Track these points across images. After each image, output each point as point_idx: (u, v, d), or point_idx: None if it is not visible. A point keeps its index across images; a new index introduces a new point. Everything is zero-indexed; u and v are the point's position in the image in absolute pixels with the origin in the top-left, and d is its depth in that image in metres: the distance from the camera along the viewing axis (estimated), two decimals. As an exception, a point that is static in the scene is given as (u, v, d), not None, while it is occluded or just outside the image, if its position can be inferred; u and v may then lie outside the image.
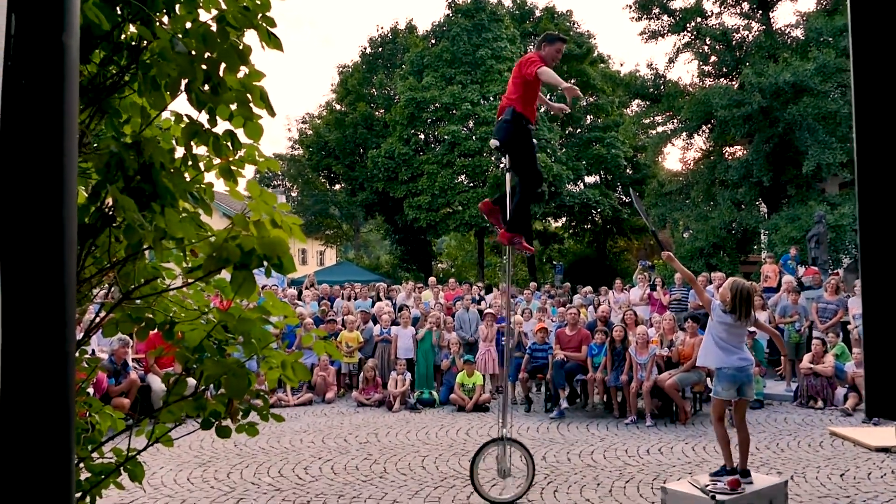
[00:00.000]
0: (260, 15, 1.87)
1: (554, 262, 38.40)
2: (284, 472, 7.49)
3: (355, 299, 16.46)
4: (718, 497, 4.80)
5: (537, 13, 35.77)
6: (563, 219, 37.53)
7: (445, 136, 29.24)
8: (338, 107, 35.83)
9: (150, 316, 2.24)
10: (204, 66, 1.76)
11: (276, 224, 1.82)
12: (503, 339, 12.58)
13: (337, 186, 38.40)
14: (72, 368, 1.27)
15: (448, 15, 31.29)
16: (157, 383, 10.07)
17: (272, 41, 1.90)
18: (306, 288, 17.33)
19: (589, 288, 17.77)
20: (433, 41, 31.83)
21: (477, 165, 28.88)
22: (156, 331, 2.25)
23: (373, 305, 15.60)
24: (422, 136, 31.35)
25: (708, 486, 5.05)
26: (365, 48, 36.37)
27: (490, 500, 6.30)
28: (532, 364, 11.22)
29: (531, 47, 34.40)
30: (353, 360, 12.53)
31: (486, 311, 13.13)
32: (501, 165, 7.05)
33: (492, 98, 29.62)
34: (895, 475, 7.11)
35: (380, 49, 36.14)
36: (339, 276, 25.29)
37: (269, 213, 1.81)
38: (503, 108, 6.16)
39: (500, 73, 29.45)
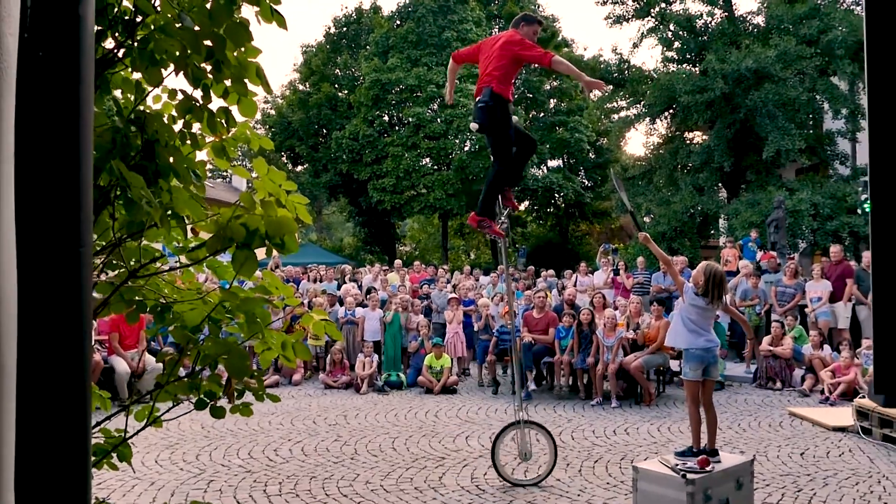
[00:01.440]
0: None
1: (517, 246, 38.60)
2: (254, 453, 7.45)
3: (320, 281, 16.37)
4: (689, 476, 4.91)
5: (502, -5, 35.67)
6: (526, 202, 37.68)
7: (410, 119, 29.13)
8: (301, 87, 35.40)
9: (139, 298, 2.21)
10: (208, 43, 1.73)
11: (280, 203, 1.81)
12: (472, 321, 12.71)
13: (300, 168, 38.02)
14: (88, 340, 1.25)
15: (414, -5, 31.08)
16: (120, 365, 9.93)
17: (275, 17, 1.87)
18: (271, 270, 17.17)
19: (552, 271, 17.91)
20: (398, 22, 31.58)
21: (442, 148, 28.84)
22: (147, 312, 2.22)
23: (338, 288, 15.53)
24: (386, 118, 31.18)
25: (678, 465, 5.15)
26: (329, 28, 35.92)
27: (512, 482, 6.36)
28: (500, 346, 11.30)
29: (496, 28, 34.28)
30: (319, 342, 12.48)
31: (450, 296, 13.18)
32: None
33: (456, 81, 29.52)
34: (852, 453, 7.34)
35: (344, 29, 35.72)
36: (303, 259, 25.11)
37: (275, 191, 1.79)
38: (479, 89, 6.00)
39: (465, 56, 29.34)
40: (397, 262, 19.17)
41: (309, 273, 17.06)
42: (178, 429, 8.34)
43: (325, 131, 33.49)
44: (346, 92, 33.79)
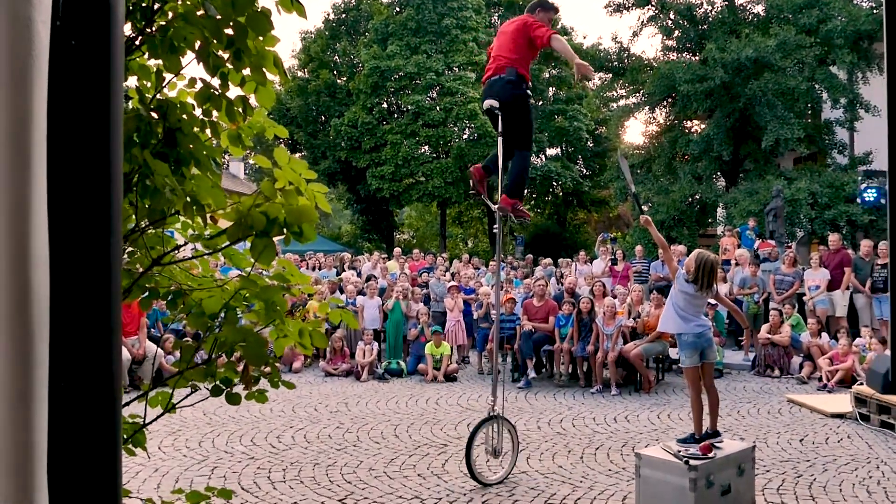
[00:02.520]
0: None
1: (515, 235, 38.61)
2: (257, 440, 7.49)
3: (319, 269, 16.38)
4: (692, 462, 4.95)
5: (502, -17, 35.51)
6: (525, 190, 37.64)
7: (409, 106, 29.06)
8: (300, 74, 35.26)
9: (152, 285, 2.23)
10: (229, 31, 1.73)
11: (299, 192, 1.82)
12: (472, 309, 12.73)
13: (298, 155, 37.94)
14: (118, 329, 1.27)
15: (413, -17, 30.92)
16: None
17: (295, 6, 1.88)
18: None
19: (549, 260, 17.92)
20: (398, 9, 31.44)
21: (441, 136, 28.80)
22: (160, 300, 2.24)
23: (338, 275, 15.55)
24: (385, 106, 31.10)
25: (680, 451, 5.19)
26: (328, 14, 35.74)
27: (483, 482, 6.01)
28: (500, 335, 11.32)
29: (495, 16, 34.08)
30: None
31: (449, 284, 13.21)
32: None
33: (456, 68, 29.44)
34: (850, 439, 7.40)
35: (343, 16, 35.54)
36: (301, 246, 25.10)
37: (295, 180, 1.80)
38: (500, 67, 5.80)
39: (464, 44, 29.28)
40: (396, 250, 19.19)
41: (308, 261, 17.08)
42: (180, 415, 8.36)
43: (323, 118, 33.41)
44: (344, 79, 33.68)
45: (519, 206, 6.12)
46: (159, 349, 10.36)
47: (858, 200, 18.61)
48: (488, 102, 5.80)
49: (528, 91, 5.85)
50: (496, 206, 6.26)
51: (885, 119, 1.41)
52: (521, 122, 5.93)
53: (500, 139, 5.98)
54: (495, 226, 6.38)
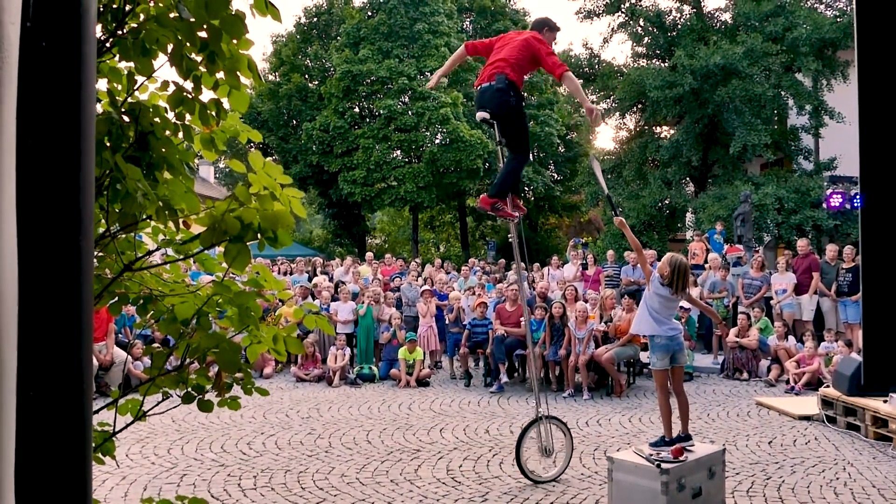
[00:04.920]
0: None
1: (487, 239, 38.71)
2: (227, 447, 7.41)
3: (290, 274, 16.26)
4: (663, 465, 4.99)
5: (474, -12, 35.59)
6: (507, 192, 37.69)
7: (381, 111, 29.00)
8: (271, 77, 35.03)
9: (122, 291, 2.19)
10: (203, 34, 1.71)
11: (274, 197, 1.80)
12: (443, 314, 12.72)
13: (269, 159, 37.60)
14: (89, 334, 1.24)
15: (385, -13, 30.88)
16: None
17: (269, 10, 1.86)
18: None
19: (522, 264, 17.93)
20: (370, 13, 31.38)
21: (413, 141, 28.77)
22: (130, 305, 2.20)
23: (309, 280, 15.45)
24: (357, 110, 31.00)
25: (652, 455, 5.23)
26: (300, 18, 35.57)
27: (533, 479, 6.15)
28: (472, 339, 11.34)
29: (467, 21, 34.07)
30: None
31: (423, 288, 13.19)
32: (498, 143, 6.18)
33: (428, 73, 29.43)
34: (818, 441, 7.51)
35: (315, 19, 35.40)
36: (271, 250, 24.86)
37: (270, 185, 1.78)
38: (492, 74, 5.74)
39: (436, 49, 29.29)
40: (368, 254, 19.11)
41: (279, 266, 16.95)
42: (148, 422, 8.24)
43: (295, 122, 33.20)
44: (316, 83, 33.52)
45: (500, 205, 6.04)
46: (128, 355, 10.21)
47: (824, 205, 18.92)
48: (480, 115, 5.79)
49: (519, 97, 5.79)
50: (515, 216, 6.21)
51: (855, 126, 1.44)
52: (514, 130, 5.93)
53: (498, 147, 6.07)
54: (510, 235, 6.32)
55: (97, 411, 2.18)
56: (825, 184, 20.25)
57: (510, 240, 6.33)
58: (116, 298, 2.23)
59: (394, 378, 11.16)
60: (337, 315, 12.31)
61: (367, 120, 30.68)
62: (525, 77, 5.98)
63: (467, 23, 34.52)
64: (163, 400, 2.17)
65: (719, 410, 9.05)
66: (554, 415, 6.60)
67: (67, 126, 1.20)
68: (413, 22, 29.34)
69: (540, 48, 5.74)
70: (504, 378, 10.65)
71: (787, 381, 10.40)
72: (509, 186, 6.12)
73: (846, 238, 19.44)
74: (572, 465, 6.67)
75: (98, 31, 1.87)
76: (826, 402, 8.31)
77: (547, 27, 6.01)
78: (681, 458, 5.14)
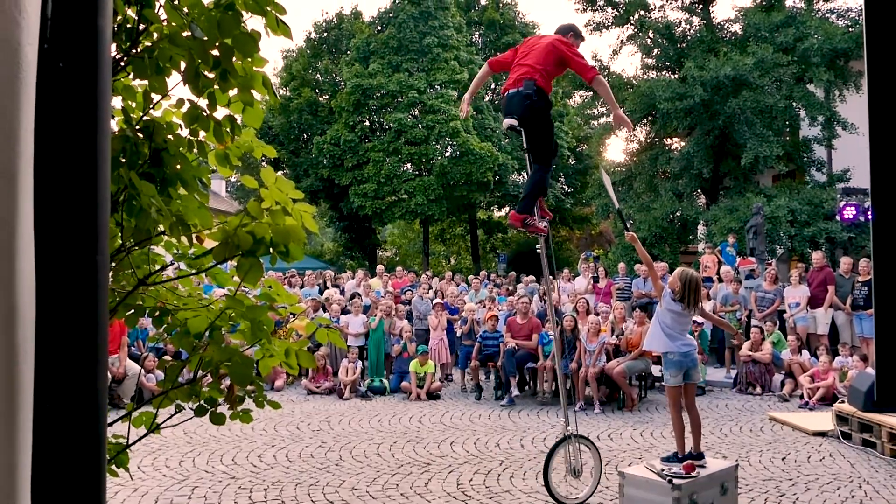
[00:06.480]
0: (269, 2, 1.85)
1: (498, 252, 38.72)
2: (238, 459, 7.42)
3: (301, 287, 16.31)
4: (675, 481, 4.96)
5: (483, 2, 35.76)
6: (507, 208, 37.78)
7: (391, 124, 29.11)
8: (282, 92, 35.26)
9: (139, 303, 2.21)
10: (216, 53, 1.74)
11: (286, 212, 1.82)
12: (454, 326, 12.72)
13: (280, 172, 37.79)
14: (104, 347, 1.26)
15: (394, 1, 31.06)
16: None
17: (281, 28, 1.89)
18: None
19: (532, 277, 17.96)
20: (379, 27, 31.57)
21: (423, 154, 28.86)
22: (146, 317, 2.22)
23: (321, 293, 15.49)
24: (367, 124, 31.14)
25: (663, 470, 5.20)
26: (310, 33, 35.83)
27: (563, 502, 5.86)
28: (483, 352, 11.33)
29: (476, 34, 34.17)
30: (302, 348, 12.42)
31: (435, 301, 13.20)
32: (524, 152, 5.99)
33: (438, 87, 29.57)
34: (833, 458, 7.44)
35: (325, 34, 35.64)
36: (282, 264, 24.93)
37: (282, 200, 1.80)
38: (519, 79, 5.56)
39: (446, 62, 29.42)
40: (379, 267, 19.15)
41: (290, 279, 16.99)
42: (160, 435, 8.26)
43: (305, 136, 33.39)
44: (326, 97, 33.71)
45: (530, 221, 5.83)
46: (141, 368, 10.26)
47: (837, 217, 18.82)
48: (507, 122, 5.61)
49: (548, 103, 5.63)
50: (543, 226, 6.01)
51: (867, 137, 1.44)
52: (538, 138, 5.72)
53: (527, 155, 5.81)
54: (538, 246, 6.11)
55: (111, 423, 2.19)
56: (838, 195, 20.14)
57: (537, 251, 6.09)
58: (132, 311, 2.26)
59: (404, 391, 11.16)
60: (348, 328, 12.33)
61: (378, 133, 30.81)
62: (552, 82, 5.79)
63: (476, 36, 34.66)
64: (176, 412, 2.19)
65: (732, 425, 8.98)
66: (581, 433, 6.27)
67: (84, 143, 1.22)
68: (422, 36, 29.49)
69: (567, 51, 5.59)
70: (515, 391, 10.62)
71: (801, 396, 10.32)
72: (535, 200, 5.91)
73: (860, 251, 19.29)
74: (583, 480, 6.63)
75: (112, 50, 1.90)
76: (841, 418, 8.22)
77: (572, 33, 5.84)
78: (693, 474, 5.11)
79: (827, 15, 24.84)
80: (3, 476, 1.19)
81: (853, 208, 16.77)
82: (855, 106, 21.69)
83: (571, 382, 10.45)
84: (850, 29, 22.99)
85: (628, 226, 6.55)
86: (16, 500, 1.21)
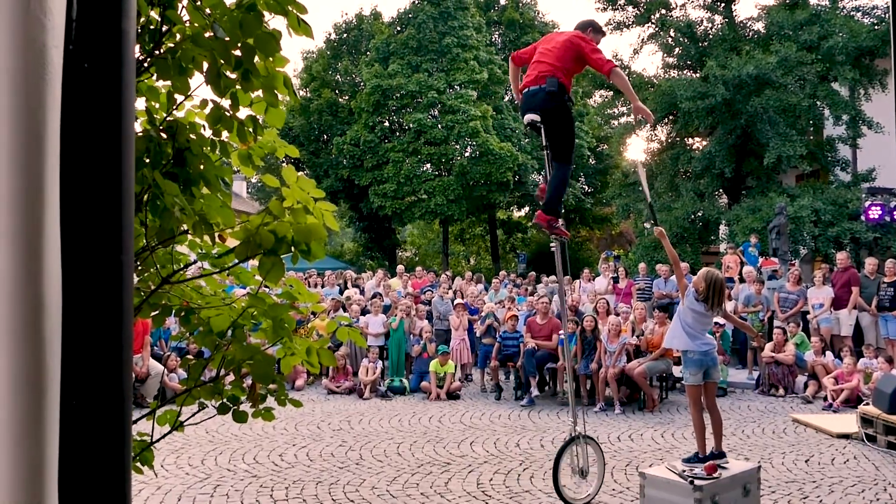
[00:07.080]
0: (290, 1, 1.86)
1: (517, 252, 38.64)
2: (259, 458, 7.46)
3: (322, 287, 16.38)
4: (696, 482, 4.92)
5: (502, 1, 35.73)
6: (527, 208, 37.73)
7: (411, 125, 29.17)
8: (302, 93, 35.45)
9: (165, 302, 2.24)
10: (237, 53, 1.75)
11: (308, 210, 1.83)
12: (473, 326, 12.72)
13: (301, 173, 37.85)
14: (129, 346, 1.28)
15: (414, 2, 31.13)
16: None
17: (302, 28, 1.90)
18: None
19: (552, 277, 17.89)
20: (399, 28, 31.64)
21: (443, 154, 28.89)
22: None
23: (341, 293, 15.55)
24: (387, 124, 31.22)
25: (685, 471, 5.17)
26: (329, 34, 36.00)
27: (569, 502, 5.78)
28: (503, 352, 11.32)
29: (496, 34, 34.18)
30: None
31: (456, 302, 13.21)
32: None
33: (457, 87, 29.58)
34: (857, 460, 7.35)
35: (345, 35, 35.79)
36: (303, 264, 25.10)
37: (304, 199, 1.81)
38: (541, 76, 5.51)
39: (465, 62, 29.42)
40: (400, 267, 19.19)
41: (309, 279, 17.07)
42: (182, 433, 8.33)
43: (325, 137, 33.55)
44: (346, 98, 33.84)
45: (555, 224, 5.79)
46: (164, 367, 10.35)
47: (862, 217, 18.58)
48: (529, 117, 5.58)
49: (569, 99, 5.62)
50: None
51: (893, 136, 1.42)
52: (560, 134, 5.68)
53: (545, 153, 5.78)
54: (552, 245, 5.97)
55: (135, 421, 2.22)
56: (863, 195, 19.87)
57: (552, 248, 6.05)
58: (159, 311, 2.28)
59: (424, 391, 11.17)
60: (368, 328, 12.36)
61: (397, 134, 30.89)
62: (572, 79, 5.73)
63: (496, 35, 34.63)
64: (199, 410, 2.21)
65: (754, 427, 8.90)
66: (588, 434, 6.25)
67: (109, 144, 1.24)
68: (442, 36, 29.52)
69: (584, 46, 5.55)
70: (535, 391, 10.60)
71: (825, 398, 10.21)
72: (561, 200, 5.86)
73: (886, 251, 19.04)
74: (604, 482, 6.60)
75: (136, 51, 1.92)
76: (865, 420, 8.12)
77: (591, 28, 5.82)
78: (714, 475, 5.07)
79: (852, 13, 24.50)
80: (31, 470, 1.21)
81: (878, 208, 16.55)
82: (880, 105, 21.39)
83: (591, 383, 10.40)
84: (876, 27, 22.67)
85: (658, 221, 6.52)
86: (43, 495, 1.23)
